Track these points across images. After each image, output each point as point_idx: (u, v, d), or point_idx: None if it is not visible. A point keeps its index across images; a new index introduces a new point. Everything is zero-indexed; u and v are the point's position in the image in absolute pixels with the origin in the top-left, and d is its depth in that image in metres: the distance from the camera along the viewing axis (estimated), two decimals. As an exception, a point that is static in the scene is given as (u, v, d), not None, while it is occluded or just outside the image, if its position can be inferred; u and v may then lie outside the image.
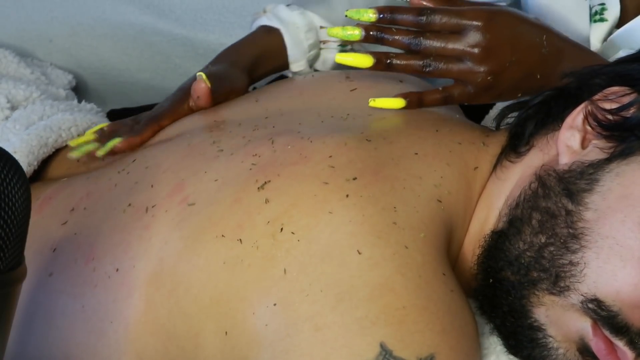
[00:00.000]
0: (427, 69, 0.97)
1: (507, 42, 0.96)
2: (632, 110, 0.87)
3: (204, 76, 1.07)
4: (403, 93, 0.97)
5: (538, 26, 0.99)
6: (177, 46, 1.38)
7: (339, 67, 1.22)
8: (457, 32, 0.96)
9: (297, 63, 1.20)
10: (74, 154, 1.06)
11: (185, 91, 1.09)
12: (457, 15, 0.96)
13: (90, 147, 1.06)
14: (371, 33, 0.97)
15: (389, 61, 0.97)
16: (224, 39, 1.36)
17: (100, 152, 1.04)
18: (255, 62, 1.17)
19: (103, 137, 1.06)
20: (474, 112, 1.13)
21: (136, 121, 1.08)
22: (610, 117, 0.88)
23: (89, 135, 1.07)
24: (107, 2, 1.38)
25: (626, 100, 0.88)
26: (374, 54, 0.97)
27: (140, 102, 1.38)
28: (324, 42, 1.21)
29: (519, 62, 0.96)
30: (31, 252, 0.91)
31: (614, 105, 0.88)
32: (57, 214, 0.99)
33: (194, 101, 1.08)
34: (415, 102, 0.97)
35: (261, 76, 1.18)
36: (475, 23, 0.95)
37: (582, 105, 0.90)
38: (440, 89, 0.98)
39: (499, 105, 1.13)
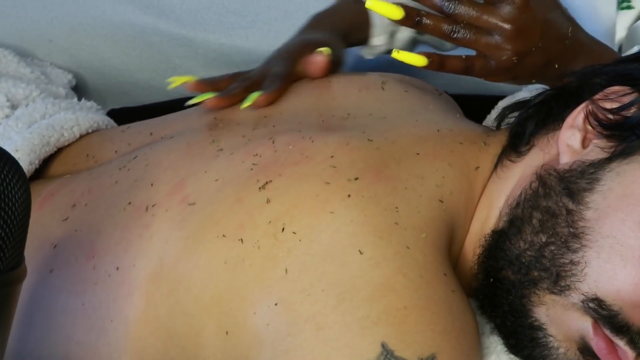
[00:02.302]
0: (455, 35, 0.95)
1: (538, 26, 0.95)
2: (632, 110, 0.87)
3: (328, 50, 1.04)
4: (426, 52, 0.96)
5: (567, 17, 0.99)
6: (177, 46, 1.38)
7: (413, 45, 1.21)
8: (492, 4, 0.95)
9: (378, 37, 1.18)
10: (190, 102, 1.03)
11: (293, 56, 1.06)
12: None
13: (210, 95, 1.02)
14: None
15: (418, 19, 0.95)
16: (224, 39, 1.36)
17: (246, 104, 1.00)
18: (348, 33, 1.15)
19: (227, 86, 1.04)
20: (474, 112, 1.13)
21: (249, 78, 1.04)
22: (610, 116, 0.88)
23: (189, 78, 1.05)
24: (107, 2, 1.37)
25: (627, 99, 0.88)
26: (405, 7, 0.95)
27: (140, 102, 1.38)
28: None
29: (544, 49, 0.96)
30: (32, 249, 0.91)
31: (614, 105, 0.88)
32: (59, 210, 0.99)
33: (310, 73, 1.06)
34: (436, 63, 0.96)
35: (349, 46, 1.17)
36: None
37: (583, 105, 0.90)
38: (464, 57, 0.96)
39: (500, 106, 1.13)
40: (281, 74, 1.03)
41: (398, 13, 0.95)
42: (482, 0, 0.95)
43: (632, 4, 1.17)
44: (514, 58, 0.95)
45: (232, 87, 1.03)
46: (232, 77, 1.06)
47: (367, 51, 1.21)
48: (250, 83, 1.04)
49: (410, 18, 0.95)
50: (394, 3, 0.95)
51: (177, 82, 1.03)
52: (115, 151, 1.06)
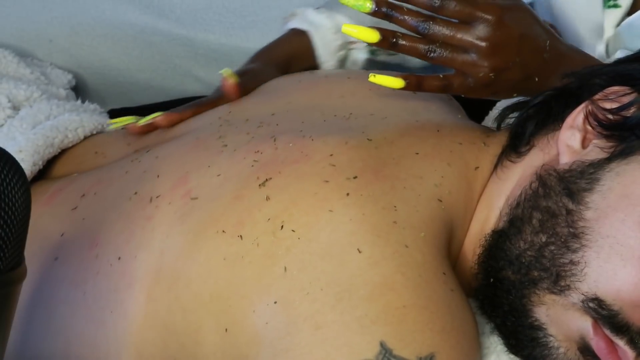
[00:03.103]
0: (431, 55, 0.96)
1: (515, 42, 0.95)
2: (632, 110, 0.88)
3: (228, 72, 1.08)
4: (403, 74, 0.96)
5: (544, 30, 0.98)
6: (177, 46, 1.38)
7: (370, 66, 1.23)
8: (467, 23, 0.95)
9: (327, 64, 1.20)
10: (113, 127, 1.09)
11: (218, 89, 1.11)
12: (472, 5, 0.94)
13: (130, 119, 1.08)
14: (382, 9, 0.95)
15: (394, 40, 0.96)
16: (224, 39, 1.36)
17: (142, 122, 1.06)
18: (287, 62, 1.18)
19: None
20: (475, 113, 1.13)
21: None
22: (610, 116, 0.88)
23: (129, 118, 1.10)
24: (107, 2, 1.37)
25: (626, 99, 0.88)
26: (380, 30, 0.95)
27: (140, 102, 1.38)
28: (352, 42, 1.21)
29: (522, 64, 0.96)
30: (40, 238, 0.93)
31: (614, 105, 0.88)
32: (68, 200, 0.99)
33: (225, 95, 1.09)
34: (414, 84, 0.96)
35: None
36: (487, 17, 0.94)
37: (583, 105, 0.90)
38: (441, 76, 0.97)
39: (500, 106, 1.13)
40: (197, 103, 1.09)
41: (374, 36, 0.95)
42: (456, 19, 0.95)
43: (619, 2, 1.17)
44: (491, 74, 0.95)
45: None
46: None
47: None
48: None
49: (387, 40, 0.96)
50: (369, 27, 0.96)
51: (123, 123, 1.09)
52: (129, 143, 1.07)
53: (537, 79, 0.97)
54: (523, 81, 0.97)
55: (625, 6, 1.17)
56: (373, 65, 1.24)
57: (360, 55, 1.22)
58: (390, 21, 0.96)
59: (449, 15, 0.95)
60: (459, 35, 0.95)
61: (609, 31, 1.17)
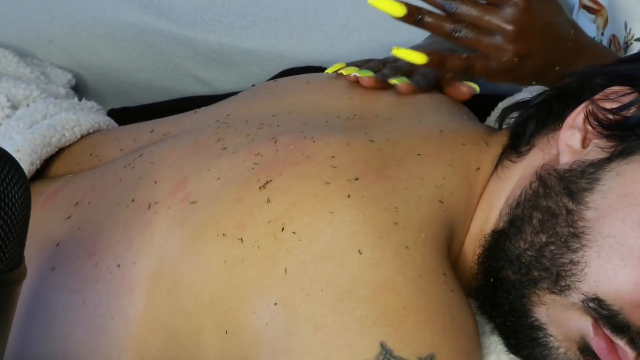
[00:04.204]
0: (456, 34, 0.95)
1: (540, 28, 0.95)
2: (632, 110, 0.87)
3: (475, 87, 1.04)
4: (427, 50, 0.96)
5: (568, 19, 0.99)
6: (177, 46, 1.38)
7: None
8: (495, 5, 0.95)
9: None
10: (346, 72, 1.03)
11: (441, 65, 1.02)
12: None
13: (369, 72, 1.02)
14: None
15: (420, 16, 0.95)
16: (224, 39, 1.36)
17: (394, 81, 1.00)
18: None
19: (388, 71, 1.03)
20: (475, 113, 1.13)
21: (400, 67, 1.04)
22: (610, 116, 0.88)
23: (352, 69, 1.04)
24: (107, 2, 1.37)
25: (627, 99, 0.88)
26: (407, 5, 0.95)
27: (140, 102, 1.38)
28: None
29: (545, 51, 0.96)
30: (35, 247, 0.92)
31: (614, 105, 0.88)
32: (62, 208, 0.99)
33: (449, 94, 1.04)
34: (437, 62, 0.96)
35: None
36: (516, 1, 0.94)
37: (583, 105, 0.90)
38: (464, 56, 0.97)
39: (500, 106, 1.13)
40: (430, 76, 1.03)
41: (400, 10, 0.95)
42: (484, 0, 0.95)
43: None
44: (515, 59, 0.95)
45: (384, 72, 1.03)
46: (381, 62, 1.06)
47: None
48: (402, 73, 1.03)
49: (412, 15, 0.95)
50: (396, 0, 0.95)
51: (347, 70, 1.03)
52: (121, 149, 1.07)
53: (557, 68, 0.97)
54: (544, 68, 0.97)
55: None
56: None
57: None
58: None
59: None
60: (486, 17, 0.95)
61: None
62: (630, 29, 1.18)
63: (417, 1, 0.96)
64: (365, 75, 1.01)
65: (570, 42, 0.97)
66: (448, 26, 0.95)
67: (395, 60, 1.04)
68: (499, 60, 0.96)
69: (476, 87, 1.02)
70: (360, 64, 1.05)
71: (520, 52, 0.95)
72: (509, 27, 0.95)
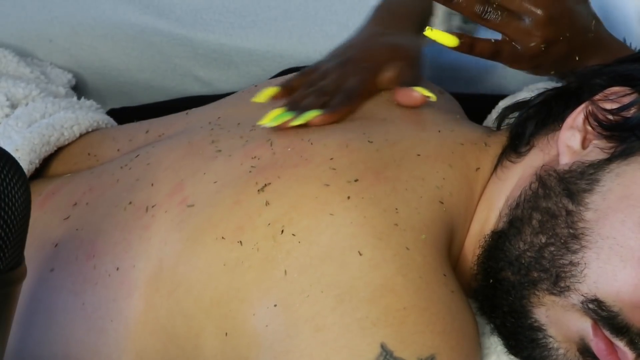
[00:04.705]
0: (487, 15, 0.95)
1: (568, 16, 0.95)
2: (632, 111, 0.88)
3: (425, 92, 0.98)
4: (458, 33, 0.96)
5: (591, 10, 0.99)
6: (177, 46, 1.38)
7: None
8: None
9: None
10: (259, 99, 0.98)
11: (374, 69, 0.99)
12: None
13: (278, 111, 0.94)
14: None
15: None
16: (224, 39, 1.36)
17: (296, 122, 0.93)
18: (422, 25, 1.10)
19: (293, 103, 0.95)
20: (475, 112, 1.13)
21: (323, 92, 0.97)
22: (610, 117, 0.88)
23: (273, 90, 0.99)
24: (107, 2, 1.37)
25: (627, 100, 0.88)
26: None
27: (140, 102, 1.38)
28: None
29: (570, 39, 0.96)
30: (33, 248, 0.92)
31: (614, 106, 0.88)
32: (60, 209, 0.99)
33: (399, 101, 0.99)
34: (467, 44, 0.95)
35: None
36: None
37: (583, 106, 0.90)
38: (493, 41, 0.96)
39: (500, 106, 1.13)
40: (354, 91, 0.97)
41: None
42: None
43: None
44: (542, 45, 0.95)
45: (305, 103, 0.95)
46: (302, 76, 1.00)
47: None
48: (325, 99, 0.96)
49: None
50: None
51: (262, 98, 0.98)
52: (118, 149, 1.06)
53: (577, 58, 0.97)
54: (566, 58, 0.97)
55: None
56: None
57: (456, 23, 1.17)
58: None
59: None
60: (517, 0, 0.94)
61: None
62: None
63: None
64: (307, 118, 0.94)
65: (591, 32, 0.98)
66: (478, 7, 0.95)
67: (324, 75, 0.99)
68: (526, 46, 0.95)
69: (432, 96, 0.97)
70: (288, 85, 0.99)
71: (548, 38, 0.95)
72: (539, 11, 0.94)
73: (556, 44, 0.96)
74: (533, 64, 0.97)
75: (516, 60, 0.97)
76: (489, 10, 0.95)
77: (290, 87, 0.98)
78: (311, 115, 0.93)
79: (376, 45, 1.03)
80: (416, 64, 1.02)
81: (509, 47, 0.96)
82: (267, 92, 0.98)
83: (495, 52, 0.96)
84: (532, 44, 0.95)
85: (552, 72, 0.99)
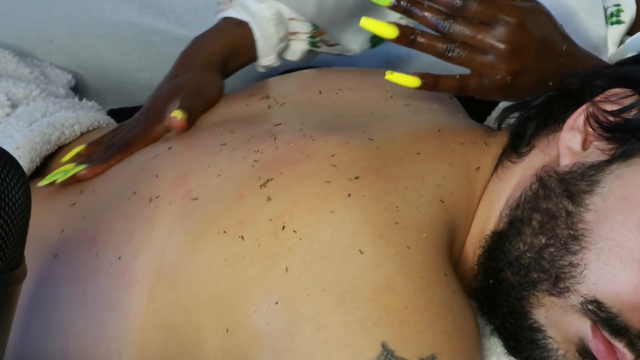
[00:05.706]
0: (449, 54, 0.95)
1: (534, 46, 0.95)
2: (633, 112, 0.88)
3: (180, 115, 1.02)
4: (420, 73, 0.96)
5: (562, 34, 0.98)
6: (177, 46, 1.37)
7: (310, 58, 1.21)
8: (488, 24, 0.94)
9: (266, 57, 1.16)
10: (42, 184, 1.02)
11: (157, 114, 1.05)
12: (494, 6, 0.94)
13: (69, 167, 1.02)
14: (402, 3, 0.95)
15: (413, 37, 0.95)
16: (224, 39, 1.36)
17: (60, 180, 1.00)
18: (226, 60, 1.13)
19: (79, 159, 1.03)
20: (475, 112, 1.13)
21: (111, 144, 1.03)
22: (611, 118, 0.88)
23: (79, 148, 1.05)
24: (107, 2, 1.37)
25: (627, 102, 0.88)
26: (399, 26, 0.95)
27: (140, 102, 1.38)
28: (293, 33, 1.17)
29: (539, 68, 0.96)
30: (40, 235, 0.92)
31: (615, 107, 0.88)
32: (67, 196, 0.99)
33: (174, 129, 1.04)
34: (430, 83, 0.96)
35: (230, 73, 1.15)
36: (509, 19, 0.94)
37: (584, 107, 0.90)
38: (457, 77, 0.96)
39: (501, 106, 1.13)
40: (122, 143, 1.02)
41: (393, 32, 0.95)
42: (476, 19, 0.95)
43: (622, 18, 1.17)
44: (508, 77, 0.95)
45: (94, 156, 1.02)
46: (108, 133, 1.06)
47: (259, 66, 1.18)
48: (109, 152, 1.02)
49: (405, 37, 0.95)
50: (388, 22, 0.95)
51: (67, 157, 1.04)
52: None
53: (551, 83, 0.97)
54: (538, 85, 0.97)
55: (627, 23, 1.17)
56: (313, 54, 1.21)
57: (300, 46, 1.19)
58: (410, 17, 0.95)
59: (470, 15, 0.94)
60: (479, 36, 0.94)
61: (611, 48, 1.17)
62: None
63: (409, 21, 0.95)
64: (73, 172, 1.01)
65: (563, 57, 0.97)
66: (441, 46, 0.95)
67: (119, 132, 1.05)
68: (493, 79, 0.95)
69: (179, 114, 1.02)
70: (94, 142, 1.05)
71: (514, 70, 0.95)
72: (502, 46, 0.94)
73: (523, 73, 0.95)
74: (503, 94, 0.97)
75: (484, 93, 0.97)
76: (451, 48, 0.95)
77: (97, 143, 1.05)
78: (78, 169, 1.00)
79: (161, 92, 1.08)
80: (196, 93, 1.06)
81: (475, 81, 0.96)
82: (74, 151, 1.05)
83: (460, 86, 0.96)
84: (498, 77, 0.95)
85: (527, 98, 0.99)
